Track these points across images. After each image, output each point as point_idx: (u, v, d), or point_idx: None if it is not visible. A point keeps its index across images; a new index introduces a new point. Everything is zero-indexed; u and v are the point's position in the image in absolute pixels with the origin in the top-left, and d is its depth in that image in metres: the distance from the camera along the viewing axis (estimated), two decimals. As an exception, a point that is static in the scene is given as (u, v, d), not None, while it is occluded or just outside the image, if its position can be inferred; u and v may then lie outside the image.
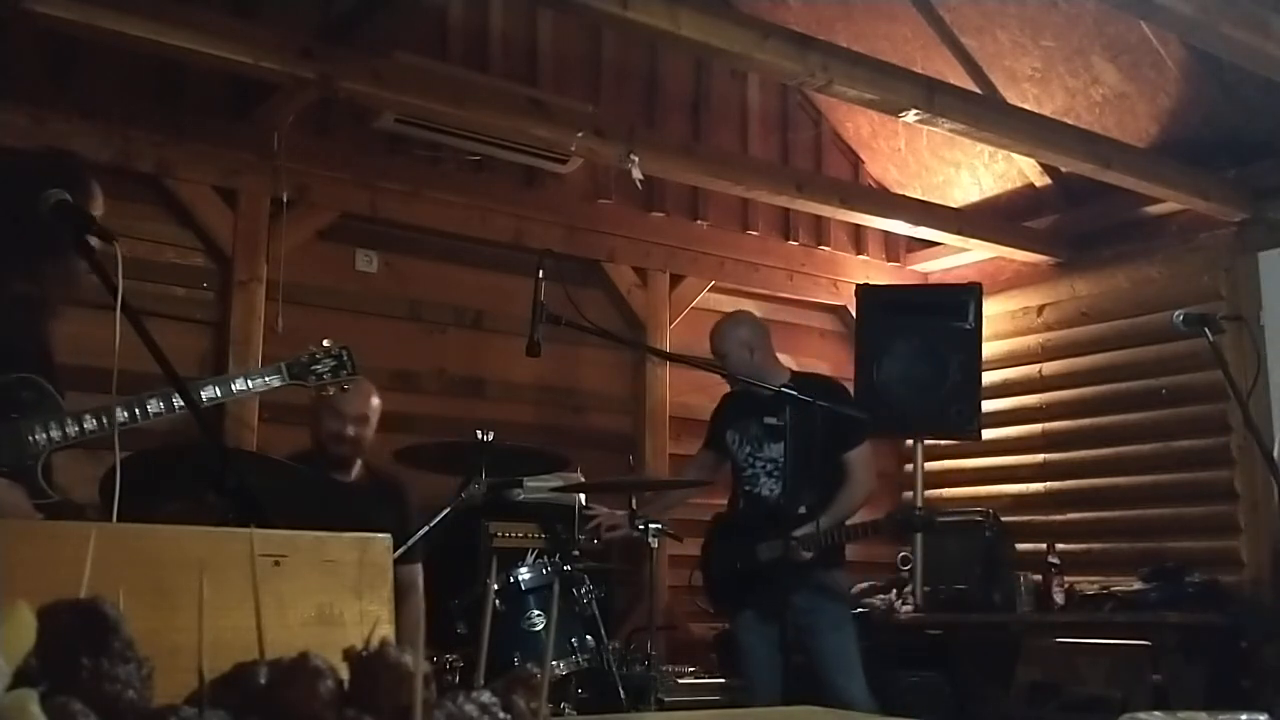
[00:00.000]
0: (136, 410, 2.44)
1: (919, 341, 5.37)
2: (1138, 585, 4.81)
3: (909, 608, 5.27)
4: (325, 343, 2.84)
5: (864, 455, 4.16)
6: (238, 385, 2.61)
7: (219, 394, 2.56)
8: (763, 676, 3.96)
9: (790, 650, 3.74)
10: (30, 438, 2.33)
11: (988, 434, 5.49)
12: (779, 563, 3.82)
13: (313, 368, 2.78)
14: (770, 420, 4.07)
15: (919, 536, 5.34)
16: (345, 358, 2.82)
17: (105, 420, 2.40)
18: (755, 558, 4.05)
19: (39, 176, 2.41)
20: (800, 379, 4.19)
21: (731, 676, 4.49)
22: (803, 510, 3.93)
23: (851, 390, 5.43)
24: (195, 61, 3.92)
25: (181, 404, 2.44)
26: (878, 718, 1.91)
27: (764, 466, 4.16)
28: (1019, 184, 5.92)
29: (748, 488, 4.22)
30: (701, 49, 4.06)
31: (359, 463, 3.98)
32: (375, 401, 3.95)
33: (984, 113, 4.72)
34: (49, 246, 2.41)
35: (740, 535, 4.15)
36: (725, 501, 4.43)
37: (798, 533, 3.88)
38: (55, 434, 2.35)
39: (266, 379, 2.70)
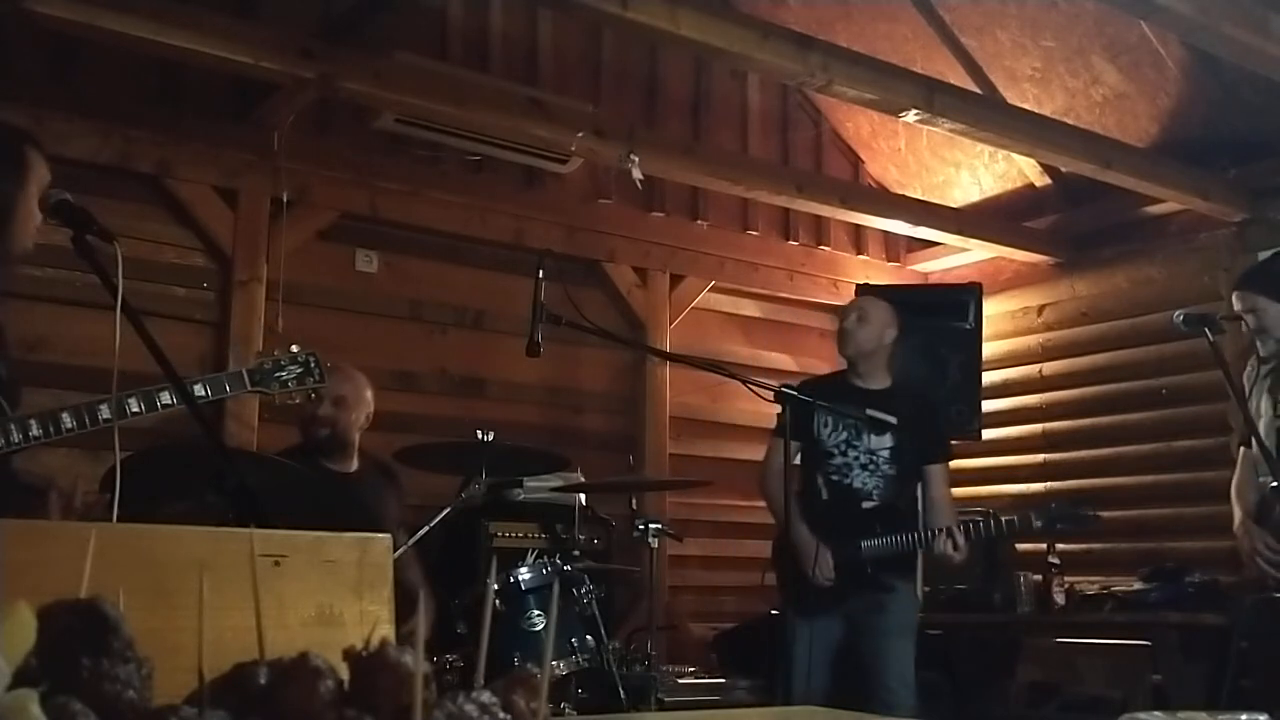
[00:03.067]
0: (86, 417, 2.36)
1: (919, 341, 5.34)
2: (1138, 585, 4.81)
3: (909, 608, 5.26)
4: (293, 348, 2.76)
5: (944, 471, 4.09)
6: (197, 391, 2.51)
7: (175, 401, 2.44)
8: (804, 674, 3.77)
9: (846, 655, 3.71)
10: None
11: (988, 434, 5.49)
12: (879, 561, 3.80)
13: (277, 374, 2.70)
14: (876, 413, 3.94)
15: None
16: (312, 364, 2.75)
17: (52, 428, 2.34)
18: (855, 556, 3.88)
19: None
20: (902, 387, 4.09)
21: (731, 676, 4.49)
22: (900, 505, 3.91)
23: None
24: (195, 61, 3.92)
25: (136, 410, 2.38)
26: (877, 718, 1.91)
27: (857, 457, 3.98)
28: (1019, 184, 5.92)
29: (835, 477, 4.00)
30: (701, 49, 4.07)
31: (356, 453, 3.99)
32: (366, 393, 3.95)
33: (984, 113, 4.72)
34: None
35: (829, 529, 3.92)
36: (728, 501, 4.40)
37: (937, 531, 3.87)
38: None
39: (228, 386, 2.62)
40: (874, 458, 3.99)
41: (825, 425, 4.06)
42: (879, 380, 4.06)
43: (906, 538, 3.87)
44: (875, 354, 4.07)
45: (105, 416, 2.35)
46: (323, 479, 3.76)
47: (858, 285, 5.69)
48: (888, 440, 3.97)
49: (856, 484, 3.99)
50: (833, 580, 3.86)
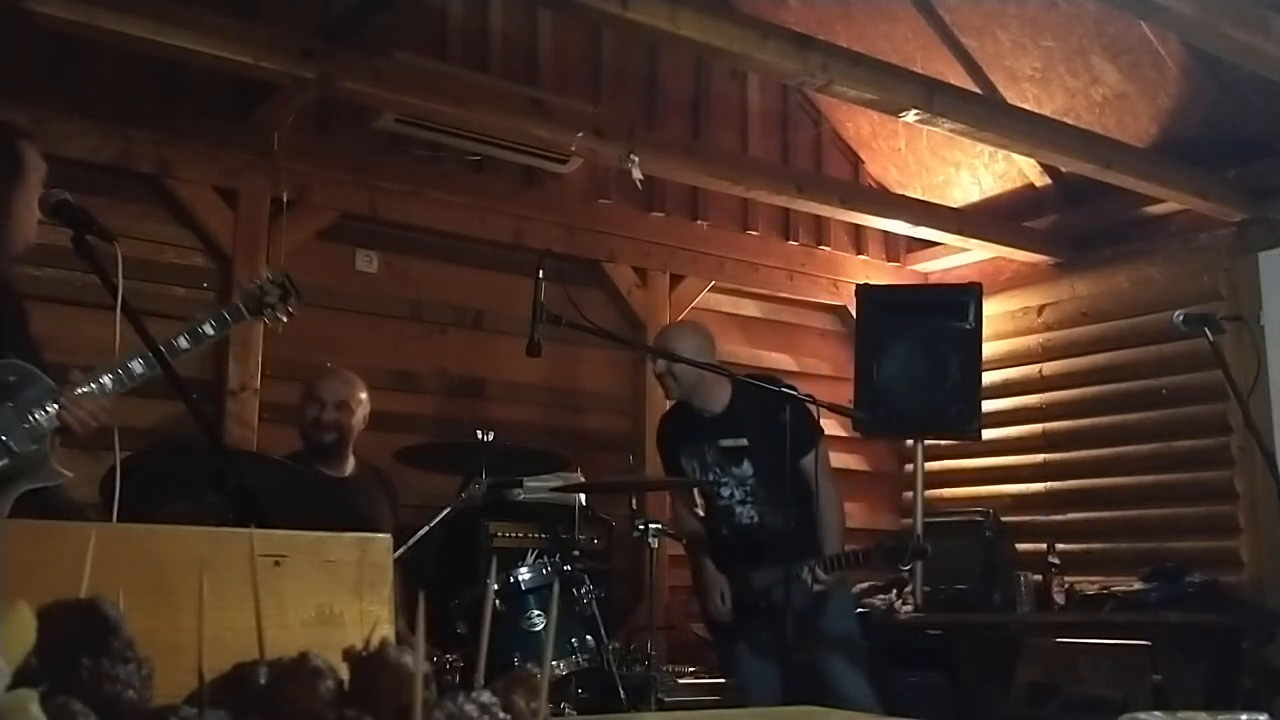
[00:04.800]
0: (122, 373, 2.43)
1: (919, 341, 5.36)
2: (1138, 585, 4.81)
3: (909, 608, 5.27)
4: (265, 273, 2.91)
5: (820, 458, 3.91)
6: (206, 329, 2.63)
7: (189, 344, 2.59)
8: (760, 686, 3.85)
9: (792, 649, 3.71)
10: (31, 419, 2.33)
11: (988, 434, 5.48)
12: (779, 585, 3.75)
13: (265, 299, 2.82)
14: (728, 442, 3.91)
15: (919, 535, 5.33)
16: (288, 284, 2.87)
17: (96, 386, 2.39)
18: (752, 587, 3.89)
19: None
20: (744, 392, 3.90)
21: (732, 677, 4.48)
22: (789, 527, 3.75)
23: (851, 390, 5.44)
24: (195, 61, 3.92)
25: (186, 345, 2.50)
26: (877, 718, 1.91)
27: (733, 495, 3.98)
28: (1019, 184, 5.92)
29: (727, 518, 4.01)
30: (701, 49, 4.06)
31: (352, 458, 4.00)
32: (362, 394, 3.98)
33: (984, 113, 4.72)
34: None
35: (732, 563, 3.96)
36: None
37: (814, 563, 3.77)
38: (55, 411, 2.35)
39: (230, 318, 2.73)
40: (745, 486, 3.95)
41: (693, 470, 4.03)
42: (718, 401, 3.96)
43: (782, 571, 3.69)
44: (700, 381, 3.94)
45: (141, 372, 2.44)
46: (320, 481, 3.76)
47: (857, 285, 5.69)
48: (749, 468, 3.91)
49: (745, 520, 3.98)
50: (729, 616, 3.89)
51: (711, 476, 3.99)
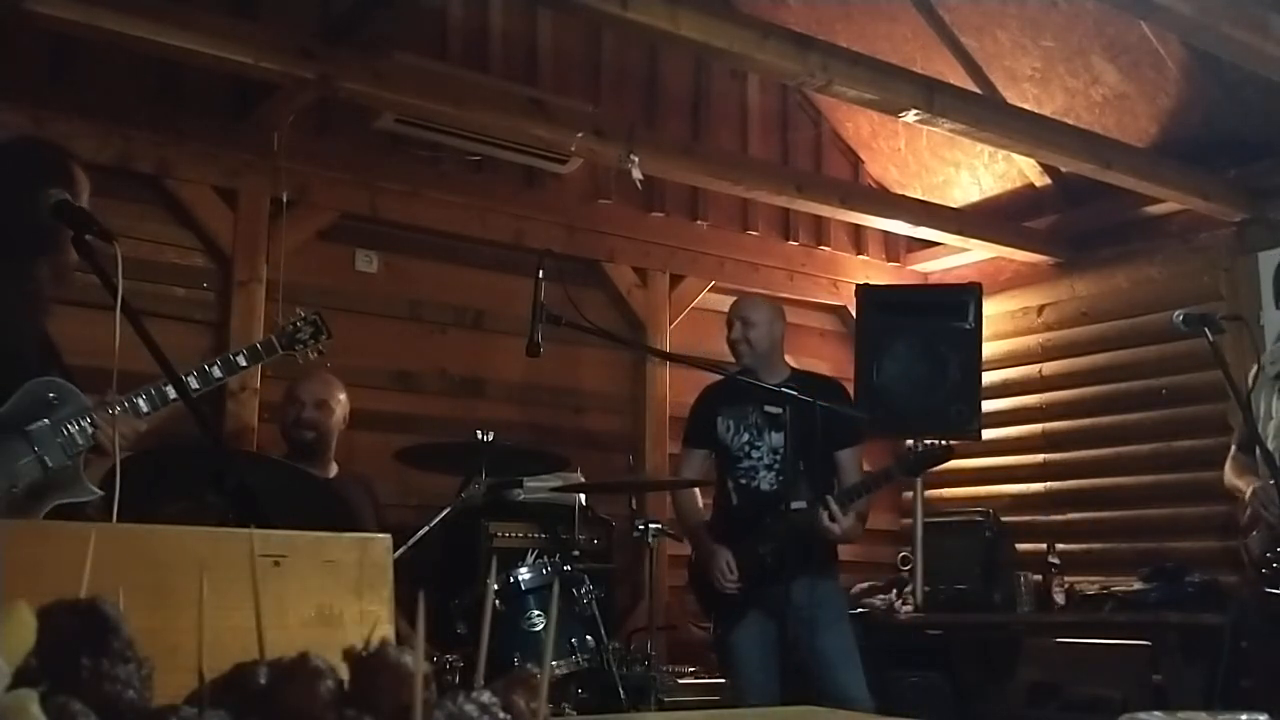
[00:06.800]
0: (155, 395, 2.47)
1: (919, 341, 5.36)
2: (1138, 585, 4.81)
3: (909, 608, 5.27)
4: (299, 310, 2.99)
5: (857, 456, 4.11)
6: (241, 361, 2.72)
7: (222, 373, 2.68)
8: (757, 679, 3.87)
9: (789, 649, 3.71)
10: (66, 435, 2.35)
11: (988, 434, 5.48)
12: (781, 554, 3.77)
13: (298, 336, 2.92)
14: (772, 409, 3.98)
15: (919, 537, 5.34)
16: (320, 323, 2.96)
17: (130, 406, 2.44)
18: (756, 554, 3.92)
19: (24, 170, 2.43)
20: (802, 376, 4.15)
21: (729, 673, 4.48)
22: (802, 505, 3.82)
23: (851, 390, 5.44)
24: (195, 61, 3.92)
25: (195, 387, 2.56)
26: (877, 717, 1.91)
27: (761, 458, 4.04)
28: (1019, 184, 5.92)
29: (744, 480, 4.06)
30: (701, 49, 4.06)
31: (334, 463, 4.02)
32: (341, 395, 4.02)
33: (984, 113, 4.72)
34: (41, 243, 2.42)
35: (739, 534, 3.99)
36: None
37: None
38: (89, 428, 2.38)
39: (264, 352, 2.83)
40: (777, 457, 3.99)
41: (728, 429, 4.11)
42: (776, 374, 4.08)
43: (794, 527, 3.80)
44: (771, 351, 4.13)
45: (173, 396, 2.47)
46: (318, 482, 3.77)
47: (858, 285, 5.69)
48: (783, 439, 3.95)
49: (764, 486, 4.03)
50: (737, 585, 3.90)
51: (747, 437, 4.07)
